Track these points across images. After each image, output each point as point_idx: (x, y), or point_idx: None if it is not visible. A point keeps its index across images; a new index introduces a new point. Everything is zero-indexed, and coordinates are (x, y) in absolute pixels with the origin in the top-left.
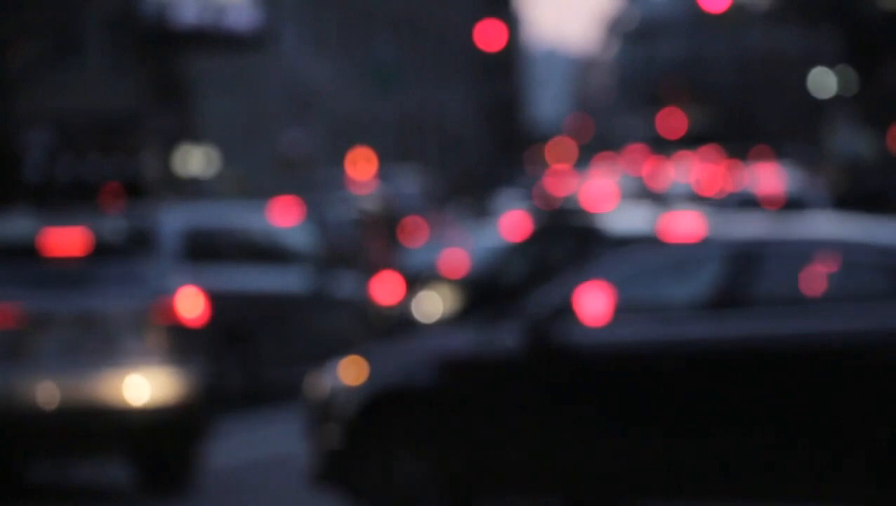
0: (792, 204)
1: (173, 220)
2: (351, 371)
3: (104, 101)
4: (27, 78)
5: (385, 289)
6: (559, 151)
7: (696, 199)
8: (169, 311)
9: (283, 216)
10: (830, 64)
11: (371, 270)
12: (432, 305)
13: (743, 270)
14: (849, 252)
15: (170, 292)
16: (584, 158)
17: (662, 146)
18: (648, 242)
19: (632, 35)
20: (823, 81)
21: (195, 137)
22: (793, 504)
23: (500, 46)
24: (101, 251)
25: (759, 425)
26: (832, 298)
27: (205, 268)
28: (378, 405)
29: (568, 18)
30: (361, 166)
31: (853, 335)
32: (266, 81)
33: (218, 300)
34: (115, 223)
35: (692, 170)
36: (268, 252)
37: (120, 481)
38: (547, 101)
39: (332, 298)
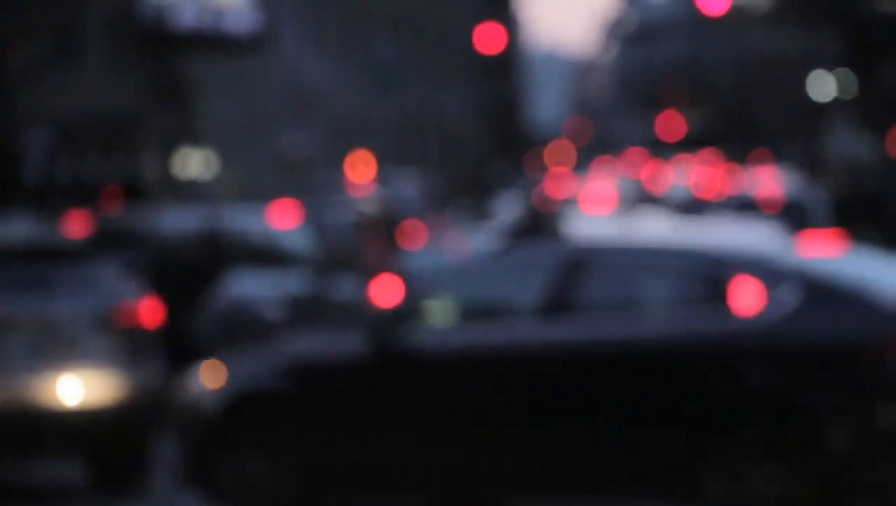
0: (791, 207)
1: (172, 223)
2: (210, 375)
3: (104, 102)
4: (27, 78)
5: (384, 292)
6: (558, 154)
7: (694, 202)
8: (126, 315)
9: (282, 219)
10: (830, 66)
11: (370, 272)
12: None
13: (574, 276)
14: (670, 259)
15: (127, 296)
16: (583, 160)
17: (661, 149)
18: (496, 247)
19: (631, 37)
20: (822, 85)
21: (195, 138)
22: (624, 500)
23: (498, 49)
24: (61, 255)
25: (591, 425)
26: (656, 303)
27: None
28: (234, 408)
29: (567, 21)
30: (360, 169)
31: (674, 339)
32: (266, 82)
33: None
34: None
35: (691, 173)
36: (267, 255)
37: (77, 481)
38: (546, 103)
39: (331, 300)
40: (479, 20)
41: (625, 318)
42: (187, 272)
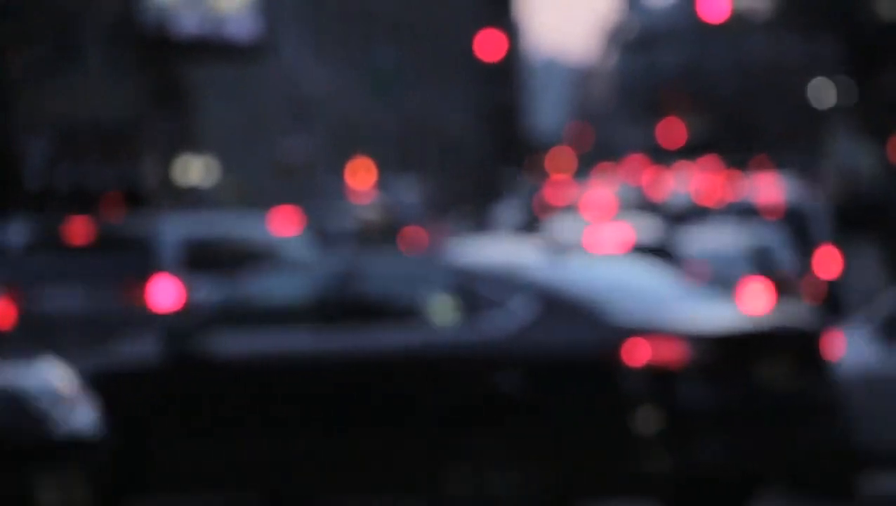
0: (791, 214)
1: (173, 229)
2: None
3: (104, 108)
4: (28, 82)
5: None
6: (559, 161)
7: (695, 209)
8: None
9: (283, 226)
10: (830, 72)
11: None
12: None
13: (343, 289)
14: (427, 272)
15: None
16: (584, 167)
17: (662, 156)
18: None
19: (632, 44)
20: (823, 93)
21: (195, 143)
22: (383, 499)
23: (499, 57)
24: None
25: (349, 428)
26: (412, 314)
27: (204, 278)
28: None
29: (568, 27)
30: (361, 176)
31: (420, 348)
32: (266, 88)
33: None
34: None
35: (692, 180)
36: (267, 262)
37: None
38: (547, 110)
39: None
40: (479, 25)
41: (382, 328)
42: None
